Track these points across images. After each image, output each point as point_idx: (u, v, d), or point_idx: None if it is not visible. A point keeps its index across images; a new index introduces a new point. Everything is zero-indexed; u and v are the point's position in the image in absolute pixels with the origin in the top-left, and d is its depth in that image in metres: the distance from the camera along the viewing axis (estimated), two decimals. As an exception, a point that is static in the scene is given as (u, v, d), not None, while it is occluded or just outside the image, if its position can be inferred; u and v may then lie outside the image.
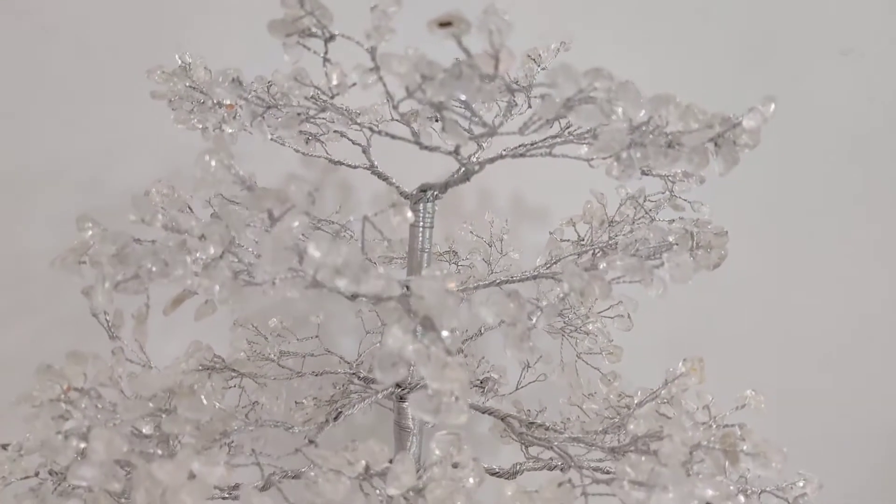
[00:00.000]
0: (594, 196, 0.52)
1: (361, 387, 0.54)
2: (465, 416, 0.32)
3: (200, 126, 0.44)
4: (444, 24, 0.28)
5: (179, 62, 0.48)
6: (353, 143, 0.51)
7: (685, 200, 0.49)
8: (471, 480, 0.34)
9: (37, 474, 0.44)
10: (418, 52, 0.31)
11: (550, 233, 0.55)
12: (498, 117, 0.45)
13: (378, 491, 0.34)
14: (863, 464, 0.77)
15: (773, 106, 0.34)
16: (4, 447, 0.44)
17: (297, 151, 0.51)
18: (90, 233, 0.36)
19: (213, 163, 0.32)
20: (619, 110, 0.33)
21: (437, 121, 0.52)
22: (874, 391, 0.76)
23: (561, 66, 0.30)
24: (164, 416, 0.34)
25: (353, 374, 0.55)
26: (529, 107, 0.47)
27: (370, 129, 0.45)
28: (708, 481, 0.31)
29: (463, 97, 0.30)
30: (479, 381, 0.65)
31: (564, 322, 0.59)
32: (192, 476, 0.32)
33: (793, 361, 0.75)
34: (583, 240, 0.52)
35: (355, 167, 0.51)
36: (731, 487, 0.33)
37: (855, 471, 0.76)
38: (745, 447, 0.33)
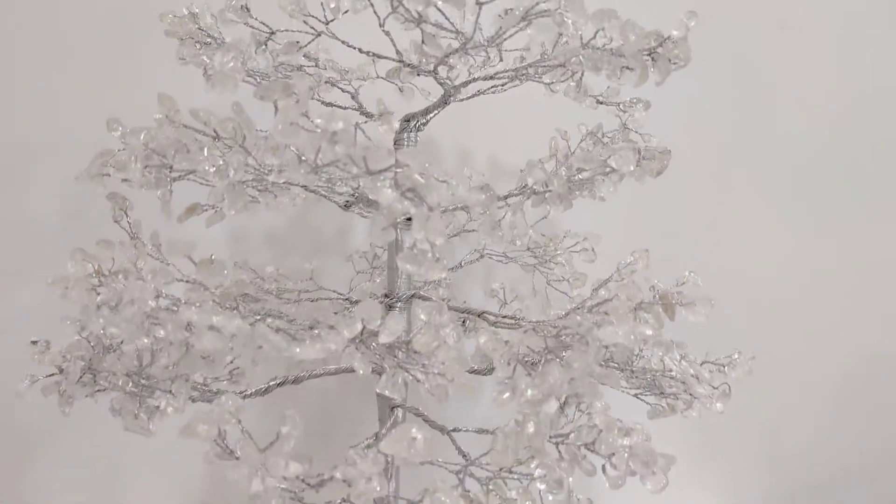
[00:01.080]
0: (558, 133, 0.59)
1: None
2: (443, 272, 0.38)
3: (207, 60, 0.50)
4: None
5: (186, 11, 0.54)
6: (343, 90, 0.57)
7: (637, 132, 0.56)
8: (451, 336, 0.40)
9: (60, 370, 0.49)
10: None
11: (521, 170, 0.62)
12: (473, 67, 0.52)
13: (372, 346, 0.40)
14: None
15: (694, 21, 0.41)
16: (33, 343, 0.49)
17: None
18: (118, 132, 0.42)
19: (230, 63, 0.38)
20: (570, 22, 0.40)
21: (417, 75, 0.59)
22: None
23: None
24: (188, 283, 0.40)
25: (346, 299, 0.61)
26: (501, 60, 0.54)
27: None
28: (647, 325, 0.38)
29: (440, 3, 0.37)
30: (461, 321, 0.71)
31: (536, 258, 0.66)
32: (212, 327, 0.38)
33: (750, 295, 0.82)
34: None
35: (345, 108, 0.57)
36: (669, 339, 0.39)
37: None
38: (681, 300, 0.39)
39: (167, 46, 0.72)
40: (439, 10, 0.38)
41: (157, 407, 0.43)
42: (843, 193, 0.86)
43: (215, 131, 0.40)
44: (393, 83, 0.58)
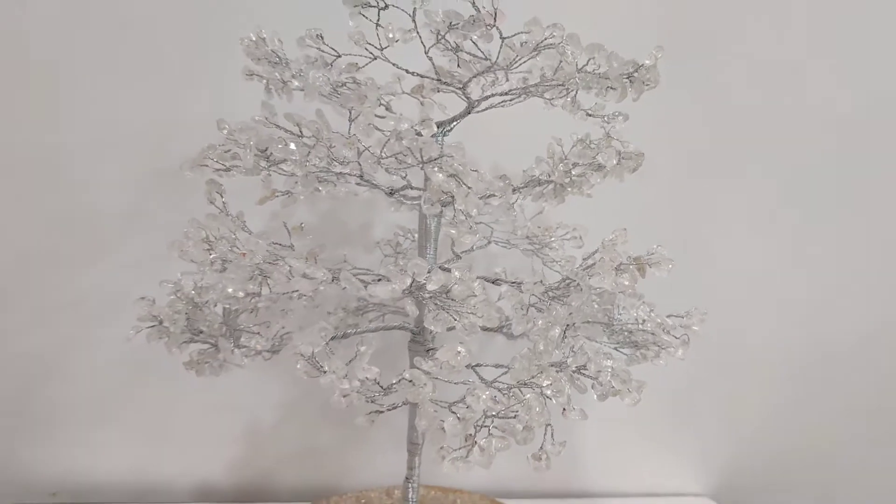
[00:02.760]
0: (554, 140, 0.72)
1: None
2: (474, 239, 0.51)
3: (279, 76, 0.62)
4: None
5: (254, 37, 0.67)
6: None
7: (617, 139, 0.70)
8: (479, 288, 0.53)
9: (161, 322, 0.61)
10: (446, 11, 0.51)
11: (524, 170, 0.75)
12: (485, 86, 0.65)
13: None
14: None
15: (661, 53, 0.55)
16: (141, 299, 0.61)
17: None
18: (226, 131, 0.55)
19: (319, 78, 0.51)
20: (569, 52, 0.53)
21: (437, 91, 0.72)
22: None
23: (533, 20, 0.51)
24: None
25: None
26: (507, 80, 0.67)
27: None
28: (625, 277, 0.51)
29: (475, 38, 0.50)
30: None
31: (533, 245, 0.79)
32: (305, 275, 0.50)
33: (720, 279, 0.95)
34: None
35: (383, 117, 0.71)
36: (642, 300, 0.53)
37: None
38: (649, 262, 0.53)
39: (209, 61, 0.85)
40: (474, 42, 0.52)
41: (247, 346, 0.56)
42: (808, 181, 0.98)
43: (301, 130, 0.53)
44: (415, 98, 0.71)
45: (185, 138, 0.87)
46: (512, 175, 0.94)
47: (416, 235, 0.68)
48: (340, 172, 0.56)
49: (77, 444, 0.92)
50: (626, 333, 0.64)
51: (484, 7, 0.49)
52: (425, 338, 0.61)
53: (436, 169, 0.49)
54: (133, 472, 0.93)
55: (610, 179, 0.66)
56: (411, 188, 0.60)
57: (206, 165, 0.58)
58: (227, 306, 0.59)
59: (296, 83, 0.63)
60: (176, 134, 0.87)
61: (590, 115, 0.66)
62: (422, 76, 0.56)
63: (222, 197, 0.59)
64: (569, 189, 0.68)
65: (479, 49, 0.53)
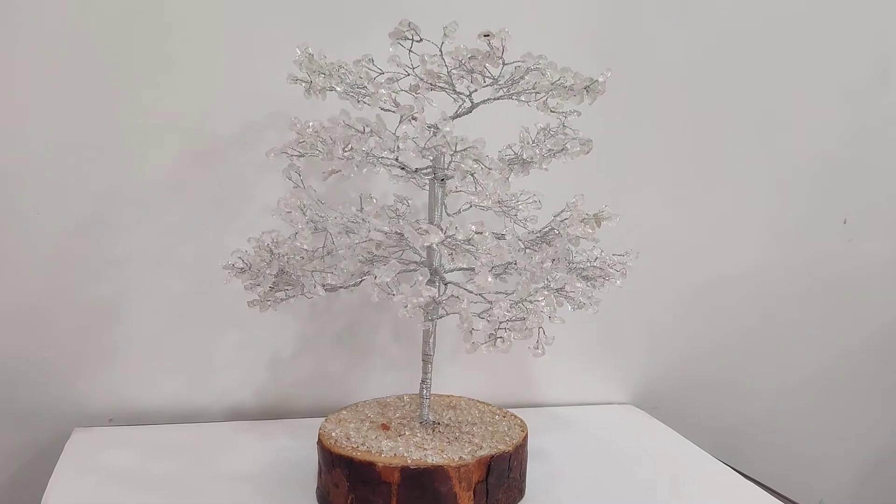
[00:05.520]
0: (524, 128, 0.96)
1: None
2: (491, 201, 0.75)
3: (322, 84, 0.83)
4: (487, 35, 0.71)
5: (300, 52, 0.87)
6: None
7: (573, 130, 0.94)
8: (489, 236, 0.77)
9: (249, 267, 0.82)
10: (467, 47, 0.75)
11: (499, 151, 0.99)
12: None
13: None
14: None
15: (609, 73, 0.80)
16: (234, 251, 0.82)
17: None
18: (311, 126, 0.76)
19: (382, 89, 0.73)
20: (548, 73, 0.77)
21: (431, 89, 0.95)
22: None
23: (527, 55, 0.75)
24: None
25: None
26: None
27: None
28: (588, 226, 0.77)
29: (487, 65, 0.74)
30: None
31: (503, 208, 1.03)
32: (378, 230, 0.73)
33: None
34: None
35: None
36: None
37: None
38: (603, 217, 0.78)
39: (237, 59, 1.05)
40: (486, 67, 0.75)
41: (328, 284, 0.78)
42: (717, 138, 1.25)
43: (363, 128, 0.76)
44: (412, 94, 0.93)
45: (218, 122, 1.08)
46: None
47: (409, 202, 0.91)
48: (384, 157, 0.78)
49: (130, 377, 1.10)
50: (580, 269, 0.90)
51: (494, 46, 0.73)
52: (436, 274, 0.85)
53: (469, 155, 0.72)
54: (177, 399, 1.13)
55: (564, 158, 0.91)
56: (434, 168, 0.83)
57: (286, 153, 0.79)
58: (302, 256, 0.81)
59: (338, 89, 0.84)
60: (211, 118, 1.06)
61: (552, 112, 0.90)
62: (421, 79, 0.79)
63: (300, 175, 0.80)
64: (534, 165, 0.93)
65: (488, 71, 0.76)
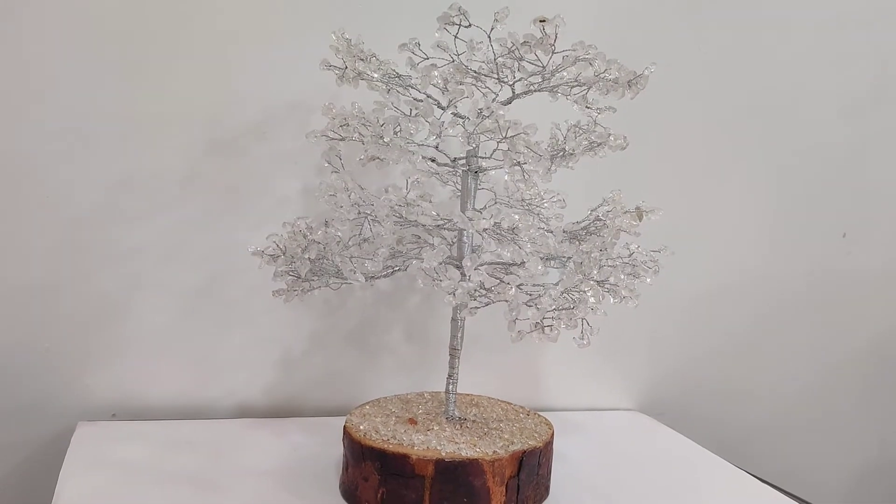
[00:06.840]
0: (554, 125, 0.96)
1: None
2: (529, 185, 0.74)
3: (359, 68, 0.82)
4: (542, 21, 0.71)
5: (335, 36, 0.86)
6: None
7: (604, 127, 0.94)
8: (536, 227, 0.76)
9: (284, 252, 0.80)
10: (516, 32, 0.74)
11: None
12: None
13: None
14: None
15: (654, 66, 0.80)
16: (269, 236, 0.80)
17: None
18: (356, 107, 0.75)
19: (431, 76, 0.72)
20: (596, 63, 0.77)
21: (460, 84, 0.94)
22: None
23: (579, 43, 0.75)
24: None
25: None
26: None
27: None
28: (630, 218, 0.76)
29: (538, 51, 0.73)
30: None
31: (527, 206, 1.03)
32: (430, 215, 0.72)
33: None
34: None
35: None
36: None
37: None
38: (645, 210, 0.78)
39: (251, 50, 1.03)
40: (536, 55, 0.75)
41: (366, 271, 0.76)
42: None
43: (410, 111, 0.74)
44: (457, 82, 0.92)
45: (233, 112, 1.05)
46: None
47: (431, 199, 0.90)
48: (426, 143, 0.77)
49: (135, 372, 1.06)
50: (620, 262, 0.89)
51: (548, 32, 0.73)
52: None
53: (520, 142, 0.71)
54: (183, 395, 1.09)
55: (603, 152, 0.90)
56: (469, 159, 0.82)
57: (326, 136, 0.78)
58: (337, 242, 0.79)
59: (375, 75, 0.83)
60: (226, 108, 1.04)
61: (588, 108, 0.90)
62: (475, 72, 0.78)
63: (339, 158, 0.79)
64: (575, 157, 0.92)
65: (539, 59, 0.76)
